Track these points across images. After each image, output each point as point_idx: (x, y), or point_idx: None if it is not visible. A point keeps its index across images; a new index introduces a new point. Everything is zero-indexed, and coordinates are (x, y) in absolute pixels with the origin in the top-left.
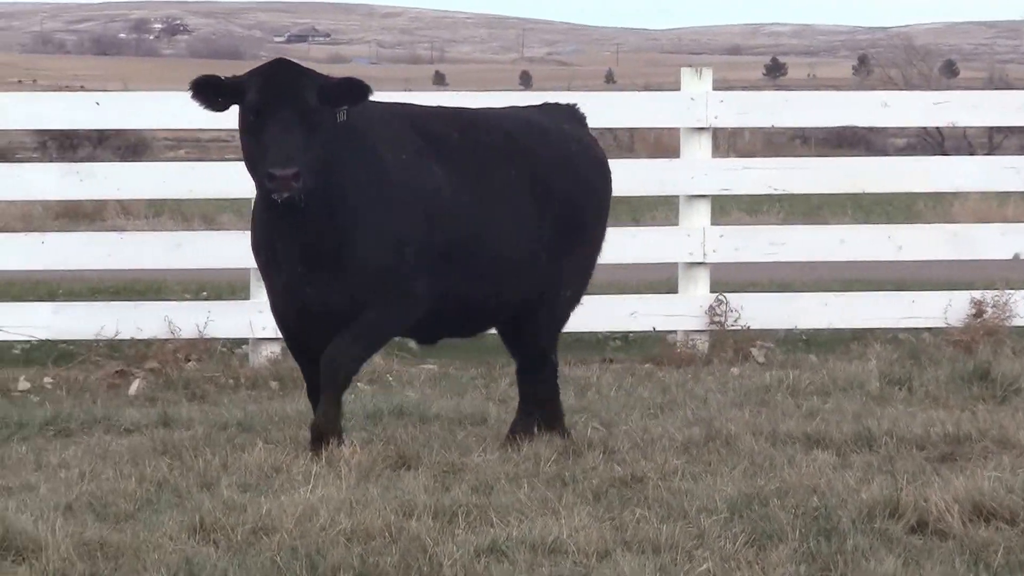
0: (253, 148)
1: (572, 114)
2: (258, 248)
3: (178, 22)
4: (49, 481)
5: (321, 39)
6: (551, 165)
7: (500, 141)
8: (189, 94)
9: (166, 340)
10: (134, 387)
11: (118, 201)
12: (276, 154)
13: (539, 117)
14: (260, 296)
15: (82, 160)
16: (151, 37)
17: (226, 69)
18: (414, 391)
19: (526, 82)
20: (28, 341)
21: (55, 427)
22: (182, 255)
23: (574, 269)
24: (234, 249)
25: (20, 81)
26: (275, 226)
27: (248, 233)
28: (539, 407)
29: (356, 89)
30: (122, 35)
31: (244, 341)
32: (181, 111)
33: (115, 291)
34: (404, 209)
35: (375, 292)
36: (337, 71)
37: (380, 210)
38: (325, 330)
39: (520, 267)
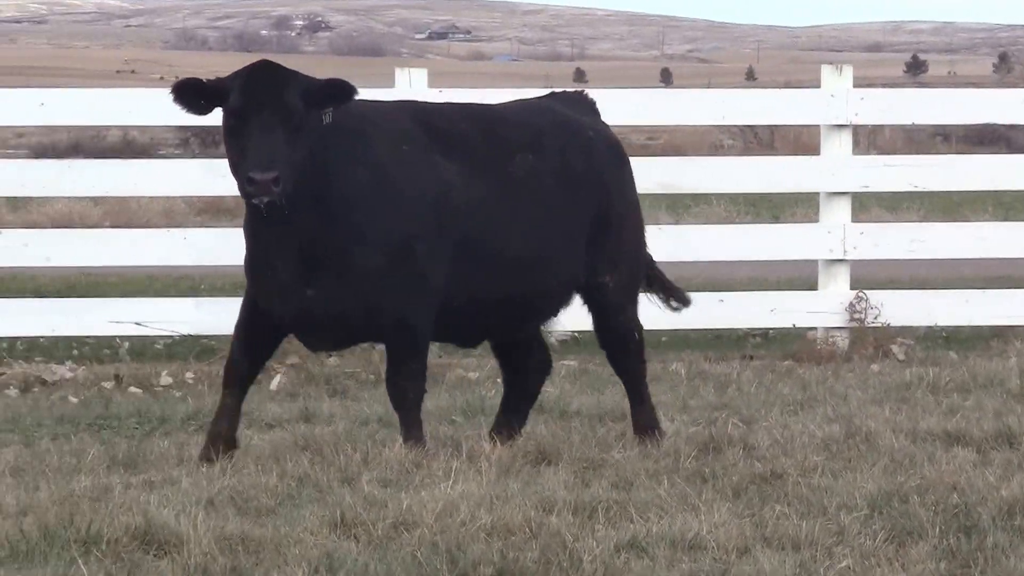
0: (235, 152)
1: (582, 101)
2: (251, 251)
3: (320, 19)
4: (191, 476)
5: (462, 36)
6: (573, 155)
7: (521, 134)
8: (171, 98)
9: None
10: (275, 382)
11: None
12: (256, 157)
13: (556, 106)
14: None
15: (224, 156)
16: (293, 34)
17: (367, 66)
18: (554, 387)
19: (666, 79)
20: (170, 336)
21: (197, 422)
22: None
23: (611, 256)
24: None
25: (162, 78)
26: (265, 231)
27: None
28: (631, 395)
29: (341, 90)
30: (264, 32)
31: None
32: None
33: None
34: (410, 206)
35: (389, 293)
36: (478, 68)
37: (383, 209)
38: (328, 332)
39: (550, 260)
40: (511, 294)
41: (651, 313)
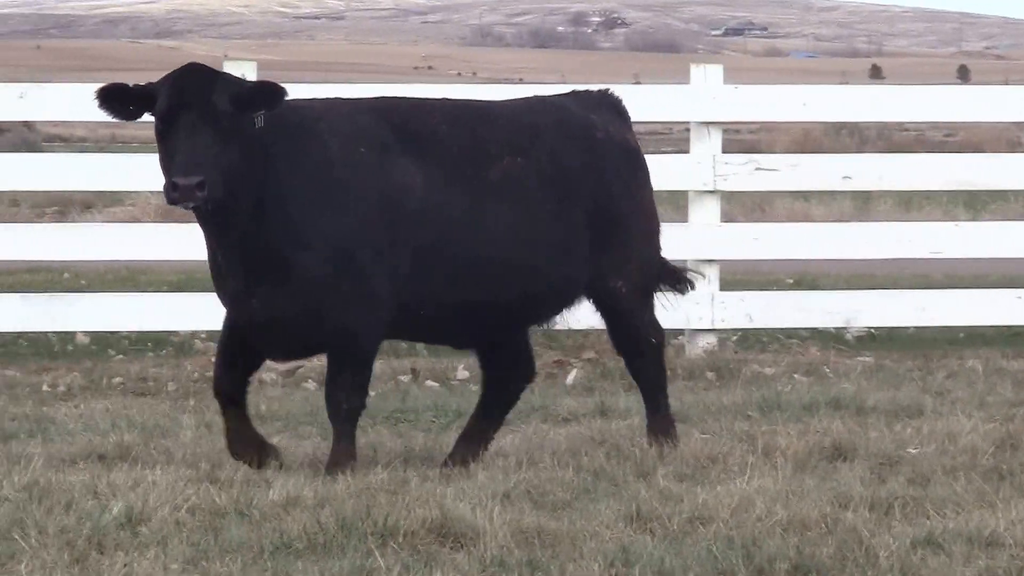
0: (164, 157)
1: (603, 101)
2: (209, 257)
3: (616, 15)
4: (487, 469)
5: (758, 32)
6: (569, 156)
7: (503, 134)
8: (96, 104)
9: (603, 330)
10: (571, 377)
11: None
12: (180, 162)
13: (559, 105)
14: (699, 288)
15: None
16: (589, 30)
17: (663, 62)
18: (850, 383)
19: (963, 76)
20: None
21: None
22: None
23: (619, 260)
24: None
25: (459, 74)
26: (211, 236)
27: (676, 225)
28: (646, 401)
29: (269, 94)
30: (560, 28)
31: (680, 332)
32: None
33: None
34: (354, 210)
35: (327, 301)
36: (773, 64)
37: (324, 213)
38: (277, 340)
39: (533, 264)
40: (488, 299)
41: (949, 309)
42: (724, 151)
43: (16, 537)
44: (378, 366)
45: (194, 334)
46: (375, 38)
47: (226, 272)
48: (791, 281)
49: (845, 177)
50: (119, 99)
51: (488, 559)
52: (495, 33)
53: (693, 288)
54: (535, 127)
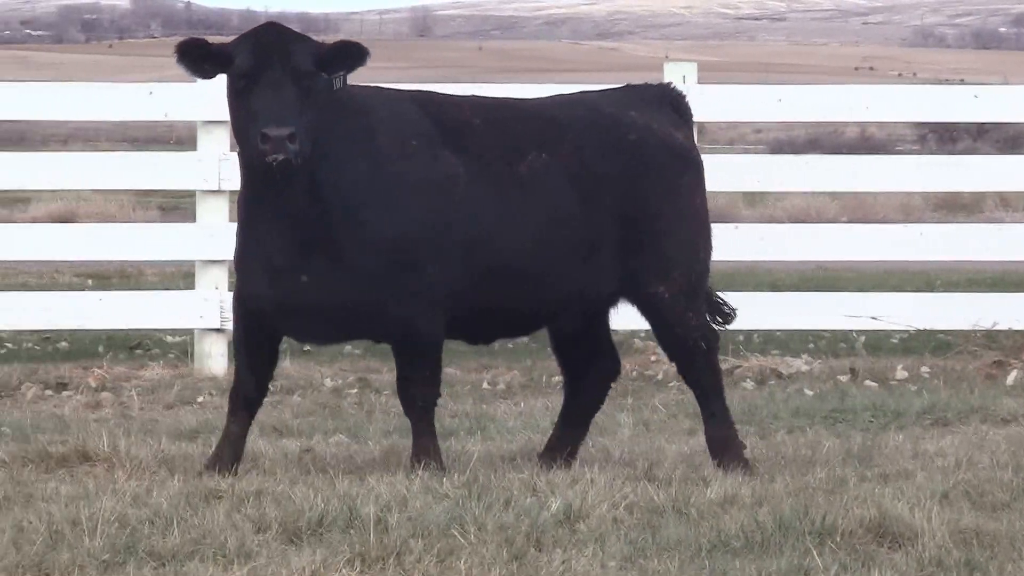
0: (244, 114)
1: (660, 96)
2: (242, 237)
3: None
4: (925, 469)
5: None
6: (599, 153)
7: (533, 129)
8: (174, 59)
9: None
10: (1012, 377)
11: (997, 193)
12: (270, 114)
13: (597, 102)
14: None
15: (961, 153)
16: None
17: None
18: None
19: None
20: (906, 331)
21: (932, 416)
22: None
23: (660, 263)
24: None
25: (900, 74)
26: (258, 210)
27: None
28: (702, 409)
29: (352, 53)
30: (1002, 29)
31: None
32: None
33: (992, 282)
34: (413, 203)
35: (391, 295)
36: None
37: (384, 204)
38: (321, 323)
39: (557, 263)
40: (506, 297)
41: None
42: None
43: (455, 533)
44: (816, 365)
45: (633, 332)
46: (816, 39)
47: (271, 248)
48: None
49: None
50: (199, 55)
51: (926, 559)
52: (936, 34)
53: (731, 319)
54: (563, 124)
